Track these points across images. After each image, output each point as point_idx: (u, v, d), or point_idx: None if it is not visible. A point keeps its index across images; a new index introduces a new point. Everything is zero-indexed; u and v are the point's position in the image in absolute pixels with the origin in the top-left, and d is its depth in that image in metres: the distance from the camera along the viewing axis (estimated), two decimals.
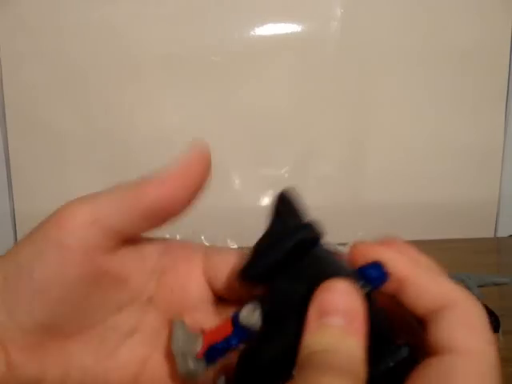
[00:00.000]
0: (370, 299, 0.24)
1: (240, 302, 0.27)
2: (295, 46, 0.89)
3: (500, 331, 0.54)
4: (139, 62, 0.88)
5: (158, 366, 0.28)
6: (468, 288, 0.55)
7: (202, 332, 0.27)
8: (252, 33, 0.88)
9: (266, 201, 0.90)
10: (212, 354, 0.26)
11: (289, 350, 0.22)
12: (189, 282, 0.31)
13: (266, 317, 0.24)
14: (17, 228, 0.92)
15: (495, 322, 0.54)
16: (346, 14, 0.88)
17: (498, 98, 0.93)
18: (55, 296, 0.25)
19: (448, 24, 0.90)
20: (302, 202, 0.27)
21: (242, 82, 0.90)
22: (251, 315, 0.25)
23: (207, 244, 0.84)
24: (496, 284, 0.59)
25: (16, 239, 0.92)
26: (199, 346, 0.26)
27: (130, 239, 0.29)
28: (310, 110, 0.91)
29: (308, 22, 0.89)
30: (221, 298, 0.30)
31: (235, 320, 0.26)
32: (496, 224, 0.96)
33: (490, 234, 0.96)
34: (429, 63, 0.90)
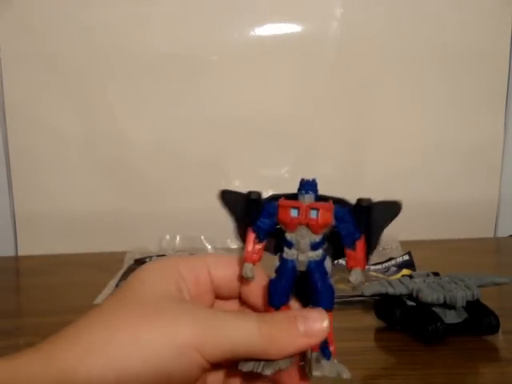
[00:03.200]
0: None
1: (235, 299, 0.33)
2: (295, 46, 0.89)
3: (500, 331, 0.54)
4: (139, 62, 0.88)
5: None
6: (468, 288, 0.55)
7: None
8: (252, 33, 0.88)
9: None
10: None
11: None
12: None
13: None
14: (17, 228, 0.92)
15: (495, 322, 0.54)
16: (345, 14, 0.88)
17: (498, 98, 0.93)
18: None
19: (448, 24, 0.90)
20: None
21: (242, 81, 0.90)
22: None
23: (207, 244, 0.84)
24: (496, 284, 0.59)
25: (16, 239, 0.92)
26: None
27: None
28: (309, 110, 0.91)
29: (308, 22, 0.89)
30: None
31: None
32: (496, 224, 0.96)
33: (490, 234, 0.96)
34: (429, 63, 0.90)
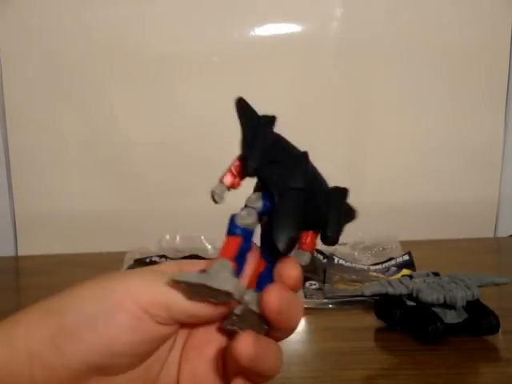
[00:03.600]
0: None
1: None
2: (295, 46, 0.89)
3: (500, 331, 0.54)
4: (139, 62, 0.88)
5: (200, 372, 0.31)
6: (468, 288, 0.55)
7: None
8: (252, 33, 0.88)
9: None
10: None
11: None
12: None
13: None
14: (17, 228, 0.92)
15: (495, 322, 0.54)
16: (345, 14, 0.88)
17: (498, 98, 0.93)
18: (115, 351, 0.28)
19: (448, 24, 0.90)
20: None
21: (242, 81, 0.90)
22: (246, 217, 0.32)
23: (207, 244, 0.84)
24: (496, 284, 0.59)
25: (16, 239, 0.92)
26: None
27: None
28: (309, 110, 0.91)
29: (308, 22, 0.89)
30: None
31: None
32: (496, 224, 0.96)
33: (490, 234, 0.96)
34: (429, 63, 0.90)
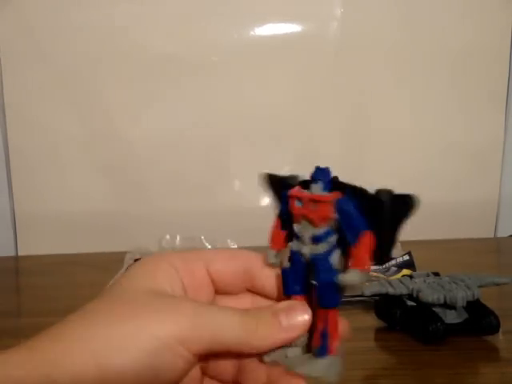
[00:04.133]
0: None
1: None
2: (295, 46, 0.89)
3: (500, 331, 0.54)
4: (139, 62, 0.88)
5: None
6: (468, 288, 0.55)
7: None
8: (252, 33, 0.88)
9: (266, 201, 0.90)
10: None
11: None
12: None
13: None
14: (17, 228, 0.92)
15: (495, 322, 0.54)
16: (345, 14, 0.88)
17: (498, 98, 0.93)
18: None
19: (448, 24, 0.90)
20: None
21: (242, 81, 0.90)
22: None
23: (207, 244, 0.84)
24: (496, 284, 0.59)
25: (16, 239, 0.92)
26: None
27: None
28: (309, 110, 0.91)
29: (308, 22, 0.89)
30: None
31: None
32: (496, 224, 0.96)
33: (490, 234, 0.96)
34: (429, 63, 0.90)
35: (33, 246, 0.91)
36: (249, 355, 0.30)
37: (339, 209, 0.28)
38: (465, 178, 0.94)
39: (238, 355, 0.31)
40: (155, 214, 0.91)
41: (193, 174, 0.91)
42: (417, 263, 0.75)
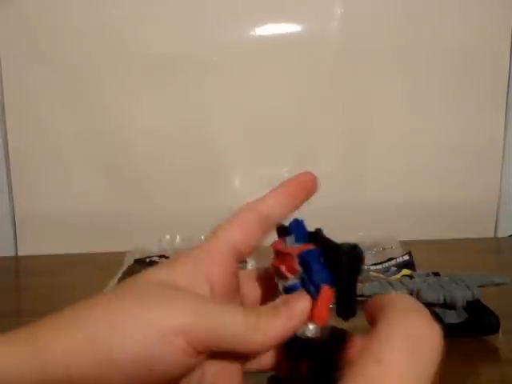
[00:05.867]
0: None
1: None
2: (295, 46, 0.89)
3: (499, 331, 0.54)
4: (139, 62, 0.88)
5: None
6: (468, 288, 0.55)
7: None
8: (252, 33, 0.88)
9: None
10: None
11: None
12: None
13: None
14: (17, 228, 0.92)
15: (495, 322, 0.54)
16: (346, 14, 0.88)
17: (497, 98, 0.93)
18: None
19: (448, 24, 0.90)
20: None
21: (242, 81, 0.90)
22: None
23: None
24: (496, 284, 0.59)
25: (16, 239, 0.92)
26: None
27: None
28: (309, 110, 0.91)
29: (308, 22, 0.89)
30: None
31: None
32: (496, 224, 0.96)
33: (490, 234, 0.96)
34: (429, 63, 0.90)
35: (33, 246, 0.91)
36: (253, 355, 0.30)
37: (301, 262, 0.29)
38: (465, 177, 0.94)
39: (241, 359, 0.31)
40: (155, 214, 0.91)
41: (193, 174, 0.91)
42: (417, 263, 0.75)
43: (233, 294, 0.32)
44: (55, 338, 0.27)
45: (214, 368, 0.31)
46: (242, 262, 0.33)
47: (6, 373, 0.26)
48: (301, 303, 0.29)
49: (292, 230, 0.30)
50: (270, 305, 0.30)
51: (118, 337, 0.27)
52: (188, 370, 0.29)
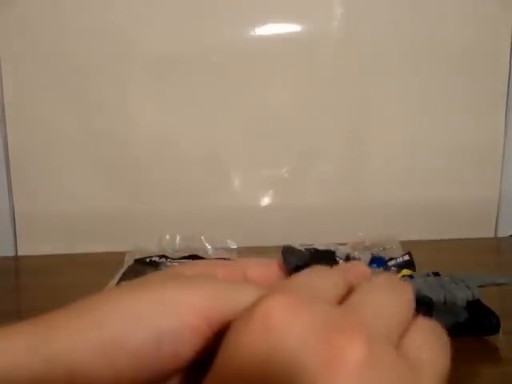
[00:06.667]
0: None
1: None
2: (295, 46, 0.89)
3: (500, 331, 0.54)
4: (139, 62, 0.88)
5: None
6: (468, 288, 0.55)
7: None
8: (252, 33, 0.88)
9: (266, 201, 0.90)
10: None
11: None
12: None
13: None
14: (17, 228, 0.92)
15: (495, 322, 0.54)
16: (346, 14, 0.88)
17: (498, 98, 0.93)
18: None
19: (448, 24, 0.90)
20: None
21: (242, 82, 0.90)
22: None
23: (207, 244, 0.84)
24: (496, 284, 0.59)
25: (16, 239, 0.92)
26: None
27: None
28: (310, 110, 0.91)
29: (308, 22, 0.89)
30: None
31: None
32: (496, 224, 0.96)
33: (490, 234, 0.96)
34: (429, 63, 0.90)
35: (33, 246, 0.91)
36: None
37: None
38: (465, 177, 0.94)
39: None
40: (155, 214, 0.91)
41: (193, 174, 0.91)
42: (417, 263, 0.75)
43: None
44: (60, 329, 0.26)
45: None
46: None
47: (5, 367, 0.24)
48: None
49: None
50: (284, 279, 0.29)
51: (131, 321, 0.25)
52: (196, 354, 0.27)
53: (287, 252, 0.31)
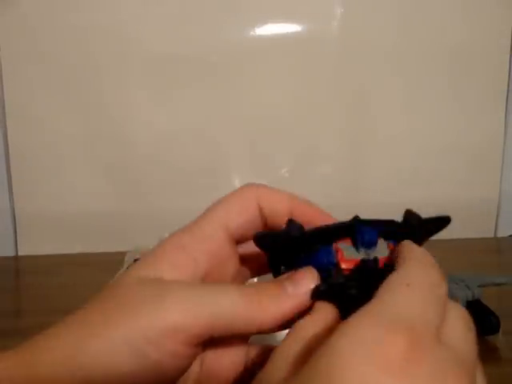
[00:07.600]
0: None
1: None
2: (295, 46, 0.89)
3: (500, 331, 0.54)
4: (139, 62, 0.88)
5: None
6: (468, 288, 0.55)
7: None
8: (252, 33, 0.88)
9: None
10: None
11: None
12: None
13: None
14: (17, 227, 0.92)
15: (495, 322, 0.54)
16: (346, 14, 0.88)
17: (498, 98, 0.93)
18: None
19: (448, 23, 0.90)
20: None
21: (242, 82, 0.90)
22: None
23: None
24: (496, 284, 0.59)
25: (16, 239, 0.92)
26: None
27: None
28: (309, 110, 0.91)
29: (308, 22, 0.89)
30: None
31: None
32: (496, 224, 0.96)
33: (490, 234, 0.96)
34: (429, 63, 0.90)
35: (33, 246, 0.91)
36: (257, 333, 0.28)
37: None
38: (464, 177, 0.94)
39: (243, 339, 0.29)
40: (155, 214, 0.91)
41: (193, 174, 0.91)
42: None
43: (230, 278, 0.30)
44: (39, 355, 0.26)
45: (213, 353, 0.29)
46: (240, 243, 0.31)
47: None
48: (310, 281, 0.27)
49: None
50: (274, 279, 0.28)
51: (98, 361, 0.26)
52: (187, 365, 0.27)
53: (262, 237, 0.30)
